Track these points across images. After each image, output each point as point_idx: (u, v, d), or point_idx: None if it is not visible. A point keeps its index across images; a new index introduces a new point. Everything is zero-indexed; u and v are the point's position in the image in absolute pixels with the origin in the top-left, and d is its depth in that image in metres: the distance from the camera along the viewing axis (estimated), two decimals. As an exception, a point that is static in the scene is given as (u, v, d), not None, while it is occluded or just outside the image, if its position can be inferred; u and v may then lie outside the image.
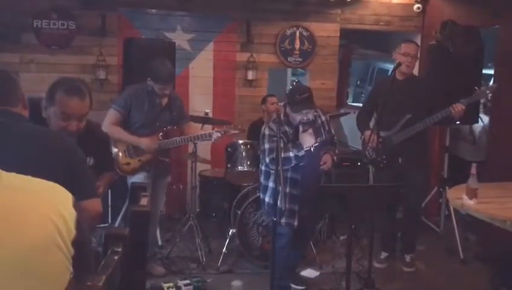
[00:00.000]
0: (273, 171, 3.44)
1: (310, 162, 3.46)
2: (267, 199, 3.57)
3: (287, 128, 3.46)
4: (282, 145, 3.23)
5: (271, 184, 3.52)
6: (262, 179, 3.62)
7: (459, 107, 3.81)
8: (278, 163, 2.98)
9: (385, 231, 4.41)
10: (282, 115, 3.47)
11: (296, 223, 3.49)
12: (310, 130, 3.44)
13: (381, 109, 3.74)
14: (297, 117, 3.40)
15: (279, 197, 2.99)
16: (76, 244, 1.16)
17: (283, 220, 3.41)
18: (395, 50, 4.15)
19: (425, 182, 4.45)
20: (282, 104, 3.66)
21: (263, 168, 3.59)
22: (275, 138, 3.22)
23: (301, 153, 3.38)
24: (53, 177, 1.76)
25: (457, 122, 4.43)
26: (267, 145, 3.44)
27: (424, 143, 4.25)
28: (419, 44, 4.88)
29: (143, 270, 1.96)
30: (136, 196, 2.01)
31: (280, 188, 2.95)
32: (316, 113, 3.53)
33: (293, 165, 3.41)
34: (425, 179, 4.42)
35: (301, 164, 3.43)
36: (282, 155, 3.20)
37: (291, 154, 3.37)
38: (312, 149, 3.42)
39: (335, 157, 3.61)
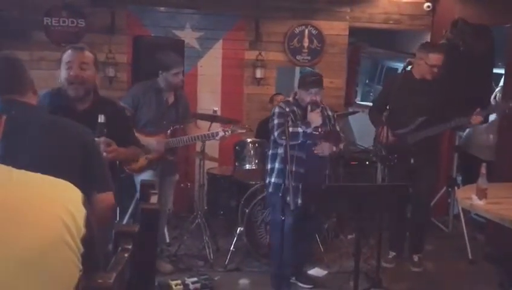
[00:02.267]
0: (280, 152, 3.56)
1: (315, 144, 3.55)
2: (273, 180, 3.63)
3: (295, 108, 3.60)
4: (290, 122, 3.43)
5: (277, 165, 3.60)
6: (268, 164, 3.69)
7: (478, 120, 3.81)
8: (287, 137, 3.25)
9: (393, 230, 4.39)
10: (292, 98, 3.64)
11: (300, 201, 3.53)
12: (318, 110, 3.52)
13: (395, 107, 3.72)
14: (307, 97, 3.53)
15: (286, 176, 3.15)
16: (86, 242, 1.17)
17: (288, 199, 3.32)
18: (416, 54, 4.05)
19: (434, 183, 4.42)
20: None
21: (270, 152, 3.69)
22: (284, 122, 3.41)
23: (309, 130, 3.47)
24: (71, 169, 1.74)
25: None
26: (276, 121, 3.55)
27: (436, 144, 4.23)
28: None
29: (153, 268, 1.97)
30: (146, 193, 2.02)
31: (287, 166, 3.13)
32: (322, 106, 3.61)
33: (299, 141, 3.49)
34: (435, 180, 4.39)
35: (308, 142, 3.52)
36: (291, 130, 3.37)
37: (299, 129, 3.48)
38: (320, 131, 3.46)
39: (341, 146, 3.66)
